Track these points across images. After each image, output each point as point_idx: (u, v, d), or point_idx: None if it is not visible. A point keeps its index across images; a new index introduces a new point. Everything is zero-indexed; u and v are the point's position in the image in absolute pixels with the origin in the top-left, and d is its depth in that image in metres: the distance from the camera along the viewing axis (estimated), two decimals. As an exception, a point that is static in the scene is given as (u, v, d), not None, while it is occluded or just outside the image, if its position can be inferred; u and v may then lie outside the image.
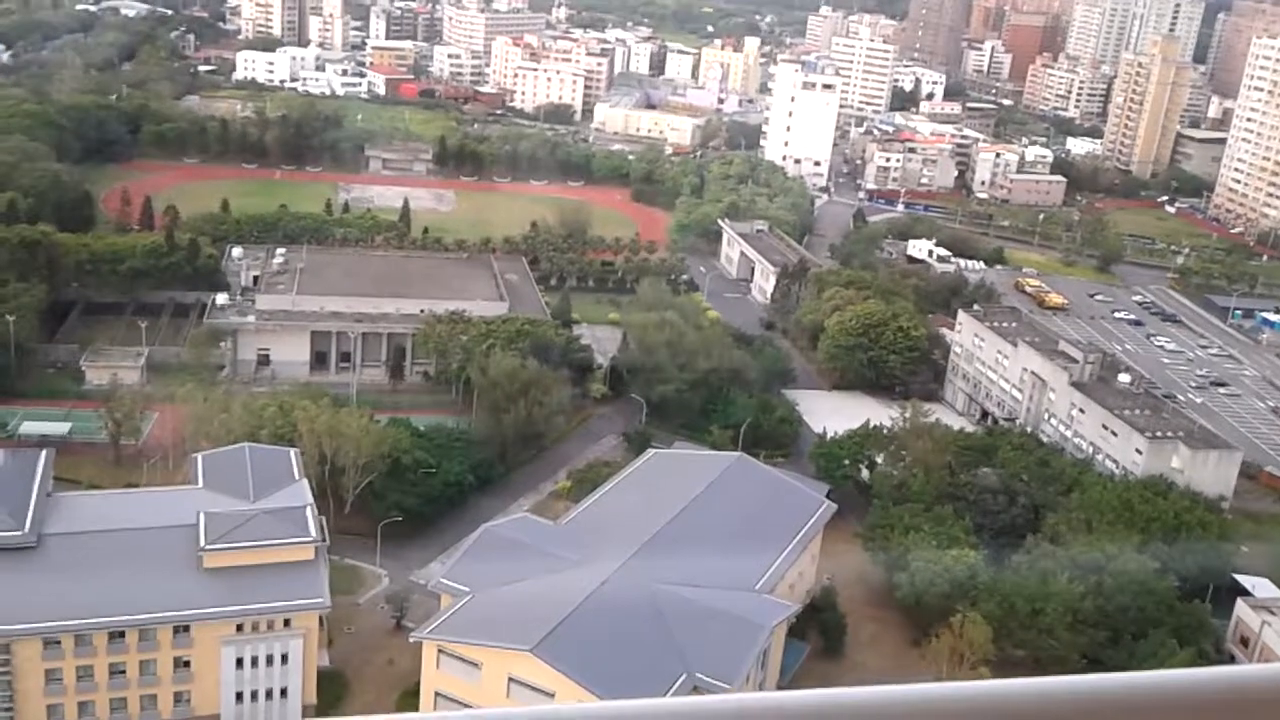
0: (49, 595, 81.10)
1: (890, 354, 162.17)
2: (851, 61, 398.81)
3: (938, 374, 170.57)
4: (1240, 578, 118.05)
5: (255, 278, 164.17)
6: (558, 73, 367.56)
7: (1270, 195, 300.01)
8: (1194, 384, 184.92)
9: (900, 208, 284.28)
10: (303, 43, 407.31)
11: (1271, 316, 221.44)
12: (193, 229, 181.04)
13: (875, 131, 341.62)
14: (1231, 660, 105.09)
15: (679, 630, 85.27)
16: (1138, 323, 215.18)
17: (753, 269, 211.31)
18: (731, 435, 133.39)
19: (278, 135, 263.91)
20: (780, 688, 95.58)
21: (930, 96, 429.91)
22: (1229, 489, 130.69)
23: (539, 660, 78.20)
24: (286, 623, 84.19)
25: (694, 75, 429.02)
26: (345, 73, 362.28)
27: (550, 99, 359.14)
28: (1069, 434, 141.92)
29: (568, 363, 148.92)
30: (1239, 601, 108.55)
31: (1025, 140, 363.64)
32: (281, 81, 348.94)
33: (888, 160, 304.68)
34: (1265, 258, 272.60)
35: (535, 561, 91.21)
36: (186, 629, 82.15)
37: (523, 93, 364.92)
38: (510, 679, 79.98)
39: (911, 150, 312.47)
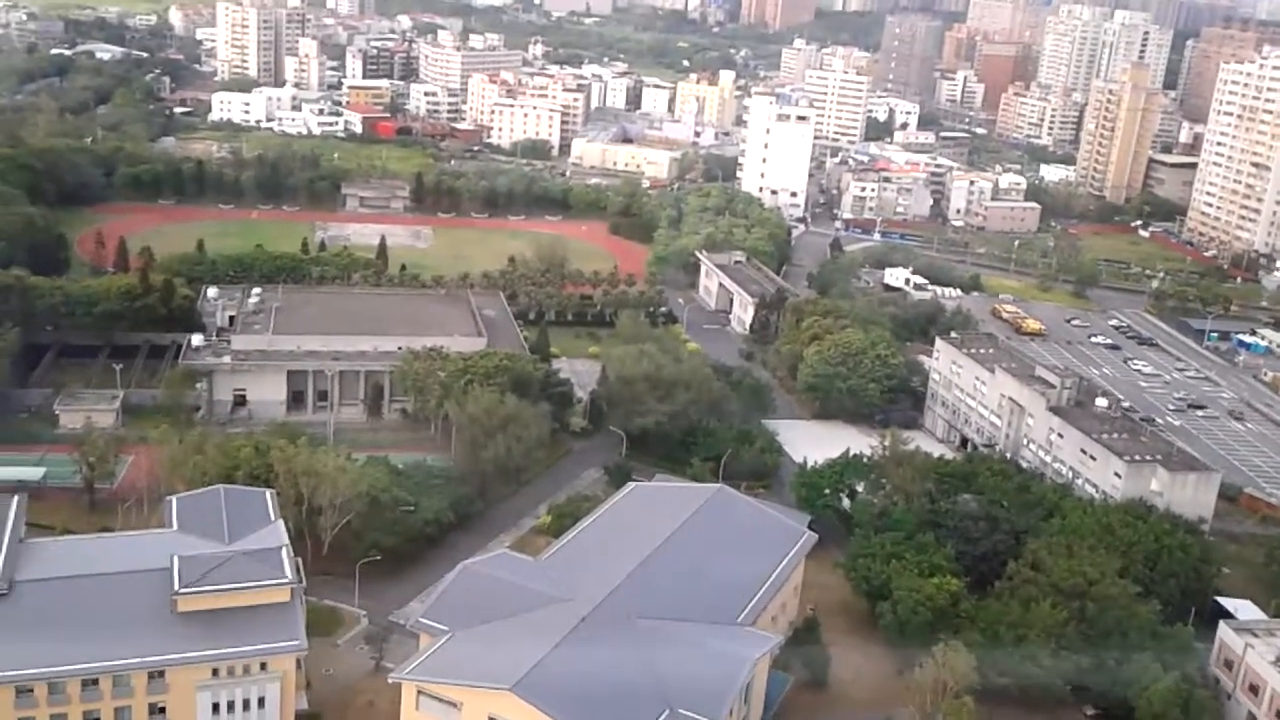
0: (21, 643, 79.59)
1: (869, 382, 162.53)
2: (826, 93, 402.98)
3: (917, 401, 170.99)
4: (1223, 600, 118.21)
5: (231, 318, 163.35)
6: (534, 108, 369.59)
7: (1242, 218, 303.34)
8: (1172, 407, 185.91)
9: (877, 236, 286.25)
10: (279, 83, 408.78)
11: (1247, 339, 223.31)
12: (168, 270, 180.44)
13: (850, 161, 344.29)
14: (1216, 684, 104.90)
15: (661, 665, 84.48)
16: (1115, 346, 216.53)
17: (731, 300, 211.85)
18: (712, 467, 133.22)
19: (254, 175, 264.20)
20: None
21: (904, 126, 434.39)
22: (1209, 511, 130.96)
23: (519, 699, 77.28)
24: (263, 666, 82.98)
25: (670, 109, 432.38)
26: (322, 112, 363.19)
27: (527, 134, 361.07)
28: (1048, 459, 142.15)
29: (547, 397, 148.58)
30: (1221, 624, 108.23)
31: (999, 168, 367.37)
32: (258, 122, 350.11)
33: (863, 190, 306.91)
34: (1238, 280, 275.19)
35: (515, 598, 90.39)
36: (161, 674, 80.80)
37: (499, 128, 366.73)
38: (490, 718, 79.00)
39: (887, 179, 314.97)
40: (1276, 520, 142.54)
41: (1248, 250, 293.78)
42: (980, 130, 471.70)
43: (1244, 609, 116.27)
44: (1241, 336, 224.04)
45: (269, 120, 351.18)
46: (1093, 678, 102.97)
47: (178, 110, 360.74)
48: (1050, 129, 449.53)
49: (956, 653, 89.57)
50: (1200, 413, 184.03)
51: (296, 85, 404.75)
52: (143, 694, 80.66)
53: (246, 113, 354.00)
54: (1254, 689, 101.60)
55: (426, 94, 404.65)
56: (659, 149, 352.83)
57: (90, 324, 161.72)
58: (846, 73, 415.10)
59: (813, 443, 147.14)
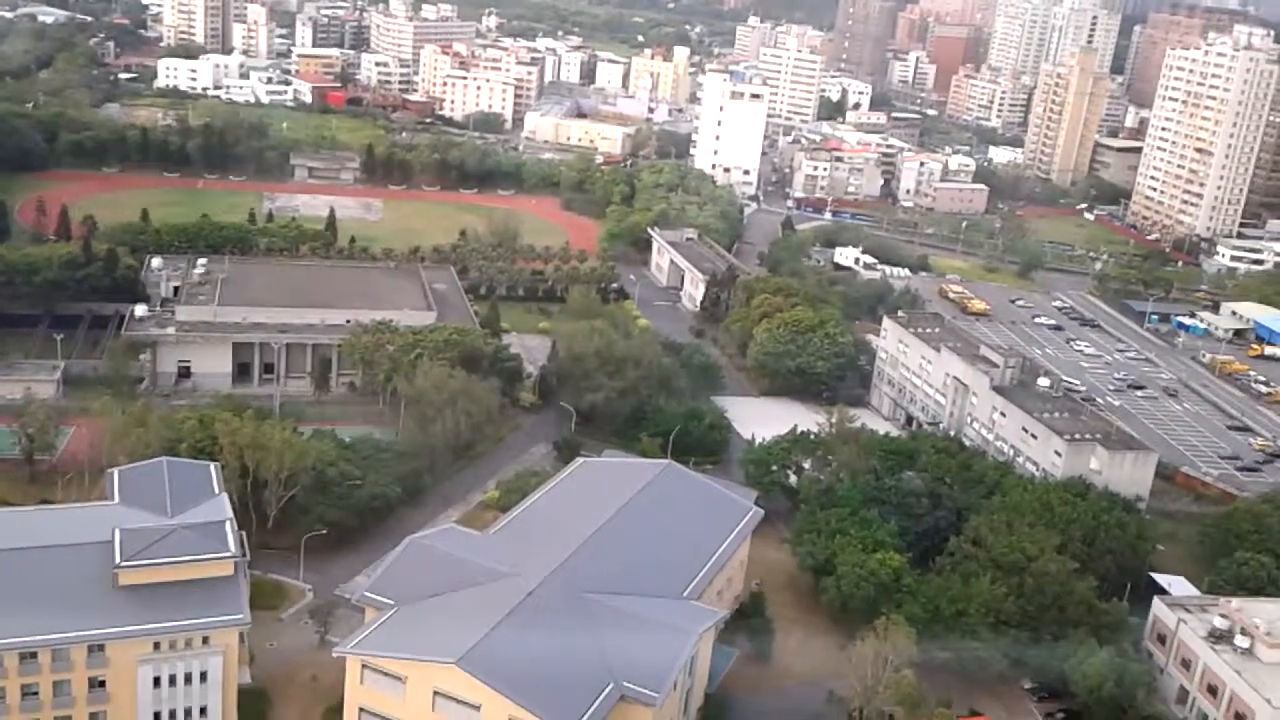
0: (-43, 616, 78.49)
1: (818, 360, 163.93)
2: (779, 71, 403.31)
3: (864, 379, 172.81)
4: (1157, 576, 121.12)
5: (176, 289, 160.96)
6: (487, 81, 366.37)
7: (1185, 203, 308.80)
8: (1112, 387, 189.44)
9: (828, 215, 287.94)
10: (226, 50, 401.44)
11: (1186, 321, 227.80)
12: (111, 239, 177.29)
13: (803, 140, 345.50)
14: (1150, 658, 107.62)
15: (606, 638, 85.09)
16: (1058, 327, 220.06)
17: (683, 277, 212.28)
18: (661, 443, 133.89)
19: (200, 144, 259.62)
20: (709, 694, 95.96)
21: (857, 106, 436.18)
22: (1146, 489, 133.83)
23: (464, 673, 77.53)
24: (205, 640, 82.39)
25: (624, 84, 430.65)
26: (270, 80, 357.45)
27: (480, 107, 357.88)
28: (990, 437, 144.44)
29: (497, 372, 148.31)
30: (1156, 600, 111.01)
31: (949, 149, 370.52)
32: (204, 89, 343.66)
33: (815, 169, 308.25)
34: (1180, 263, 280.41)
35: (462, 573, 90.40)
36: (101, 648, 79.98)
37: (452, 101, 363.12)
38: (435, 692, 79.14)
39: (839, 159, 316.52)
40: (1211, 499, 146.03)
41: (1189, 234, 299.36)
42: (931, 111, 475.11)
43: (1178, 585, 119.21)
44: (1181, 319, 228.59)
45: (216, 88, 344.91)
46: (1030, 652, 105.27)
47: (122, 76, 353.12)
48: (999, 111, 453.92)
49: (898, 627, 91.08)
50: (1139, 393, 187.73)
51: (244, 53, 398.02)
52: (82, 668, 79.84)
53: (193, 80, 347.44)
54: (1186, 663, 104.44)
55: (378, 64, 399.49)
56: (612, 124, 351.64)
57: (30, 293, 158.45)
58: (800, 51, 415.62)
59: (761, 419, 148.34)
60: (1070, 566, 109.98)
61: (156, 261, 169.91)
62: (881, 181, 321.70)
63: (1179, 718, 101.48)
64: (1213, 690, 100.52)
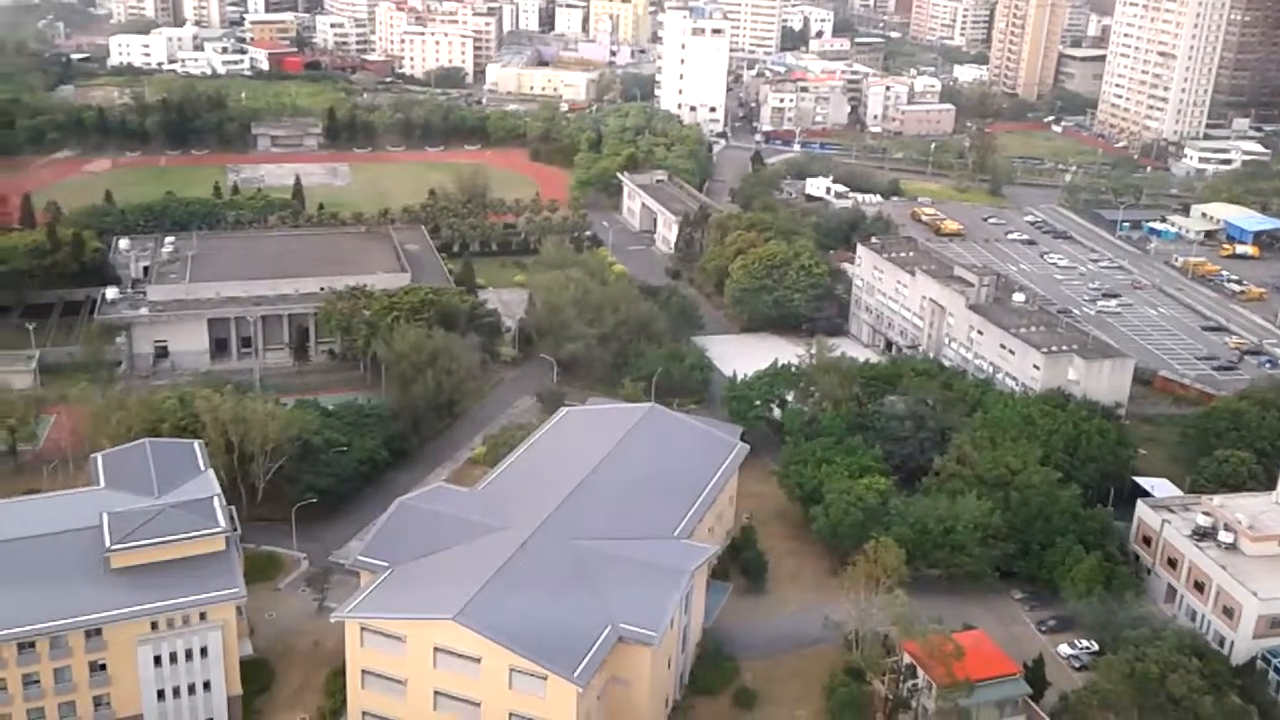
0: (-47, 611, 78.81)
1: (794, 293, 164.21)
2: (740, 5, 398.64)
3: (841, 308, 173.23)
4: (1140, 480, 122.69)
5: (145, 269, 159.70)
6: (445, 35, 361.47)
7: (1150, 108, 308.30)
8: (1087, 297, 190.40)
9: (797, 147, 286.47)
10: (178, 22, 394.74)
11: (1158, 226, 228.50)
12: (76, 224, 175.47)
13: (767, 73, 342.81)
14: (1136, 560, 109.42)
15: (601, 583, 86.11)
16: (1031, 242, 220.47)
17: (655, 219, 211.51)
18: (644, 387, 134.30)
19: (159, 120, 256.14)
20: (706, 629, 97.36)
21: (820, 34, 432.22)
22: (1124, 396, 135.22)
23: (462, 627, 78.44)
24: (203, 616, 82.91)
25: (584, 29, 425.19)
26: (225, 50, 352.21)
27: (440, 63, 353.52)
28: (969, 356, 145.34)
29: (475, 328, 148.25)
30: (1139, 503, 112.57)
31: (914, 71, 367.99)
32: (159, 64, 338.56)
33: (781, 101, 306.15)
34: (1149, 169, 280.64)
35: (453, 530, 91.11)
36: (99, 632, 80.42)
37: (411, 58, 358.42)
38: (436, 648, 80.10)
39: (804, 89, 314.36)
40: (1189, 400, 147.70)
41: (1157, 139, 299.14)
42: (895, 34, 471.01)
43: (1160, 487, 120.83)
44: (1152, 224, 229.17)
45: (171, 62, 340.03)
46: (1019, 563, 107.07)
47: (74, 56, 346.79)
48: (963, 29, 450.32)
49: (887, 549, 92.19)
50: (1115, 301, 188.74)
51: (197, 24, 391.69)
52: (81, 653, 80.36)
53: (147, 55, 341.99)
54: (1172, 562, 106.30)
55: (333, 25, 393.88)
56: (575, 71, 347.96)
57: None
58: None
59: (742, 356, 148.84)
60: (1054, 477, 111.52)
61: (124, 243, 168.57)
62: (848, 109, 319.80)
63: (1168, 616, 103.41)
64: (1199, 587, 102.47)
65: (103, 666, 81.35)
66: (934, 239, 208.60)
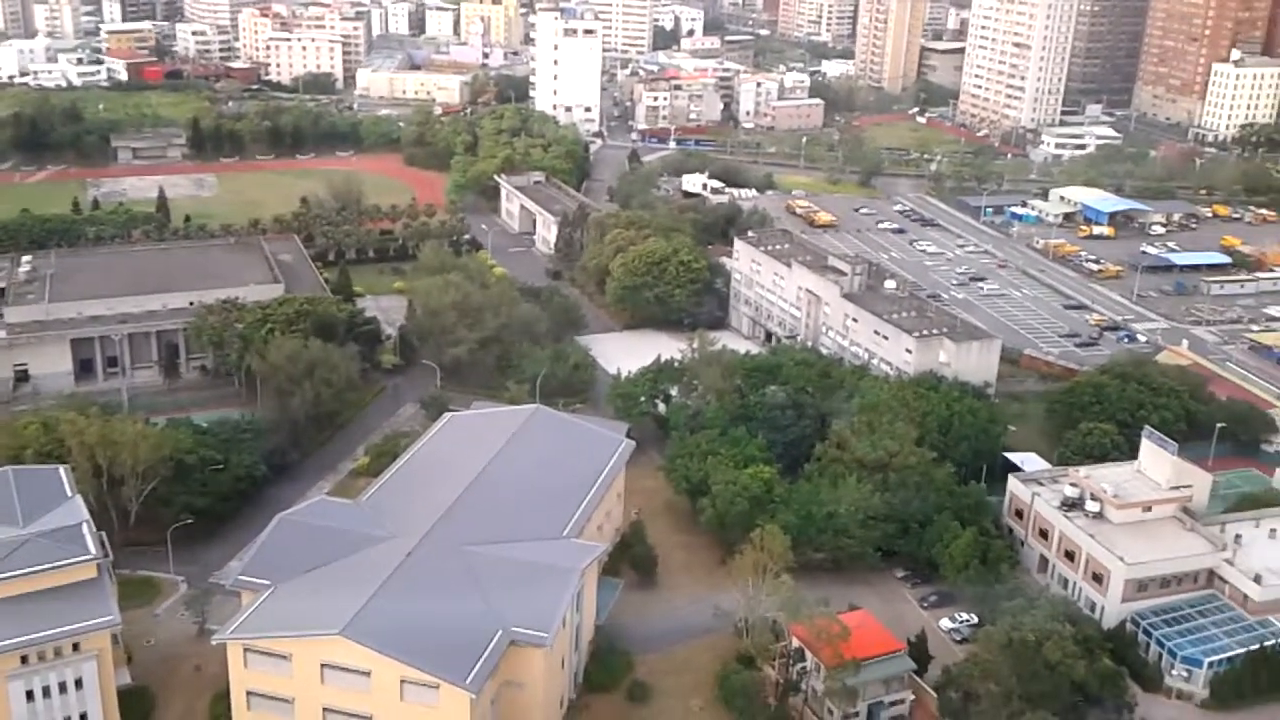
0: None
1: (675, 288, 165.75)
2: (611, 4, 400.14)
3: (721, 302, 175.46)
4: (1011, 455, 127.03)
5: (1, 290, 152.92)
6: (313, 40, 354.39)
7: (1009, 97, 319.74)
8: (955, 282, 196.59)
9: (672, 144, 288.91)
10: (29, 34, 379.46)
11: (1019, 210, 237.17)
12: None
13: (641, 72, 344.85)
14: (1010, 533, 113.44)
15: (491, 587, 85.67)
16: (900, 230, 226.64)
17: (534, 221, 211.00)
18: (528, 388, 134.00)
19: (12, 135, 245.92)
20: (598, 626, 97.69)
21: (691, 33, 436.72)
22: (993, 375, 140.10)
23: (350, 641, 77.20)
24: (76, 647, 79.95)
25: (456, 31, 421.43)
26: (81, 61, 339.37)
27: (308, 68, 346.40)
28: (846, 343, 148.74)
29: (354, 337, 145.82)
30: (1010, 478, 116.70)
31: (783, 67, 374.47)
32: (10, 77, 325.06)
33: (655, 99, 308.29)
34: (1009, 156, 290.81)
35: (337, 543, 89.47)
36: (-35, 670, 77.16)
37: (277, 64, 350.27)
38: (323, 665, 78.60)
39: (678, 88, 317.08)
40: (1054, 376, 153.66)
41: (1015, 127, 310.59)
42: (764, 32, 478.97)
43: (1029, 461, 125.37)
44: (1014, 209, 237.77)
45: (23, 75, 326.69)
46: (900, 542, 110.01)
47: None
48: (829, 25, 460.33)
49: (773, 536, 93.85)
50: (981, 284, 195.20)
51: (50, 35, 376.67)
52: (-53, 692, 76.95)
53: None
54: (1044, 533, 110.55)
55: (195, 33, 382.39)
56: (448, 74, 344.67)
57: None
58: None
59: (626, 353, 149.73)
60: (929, 457, 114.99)
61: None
62: (721, 105, 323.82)
63: (1042, 585, 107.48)
64: (1070, 555, 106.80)
65: (-30, 706, 77.99)
66: (808, 231, 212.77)
